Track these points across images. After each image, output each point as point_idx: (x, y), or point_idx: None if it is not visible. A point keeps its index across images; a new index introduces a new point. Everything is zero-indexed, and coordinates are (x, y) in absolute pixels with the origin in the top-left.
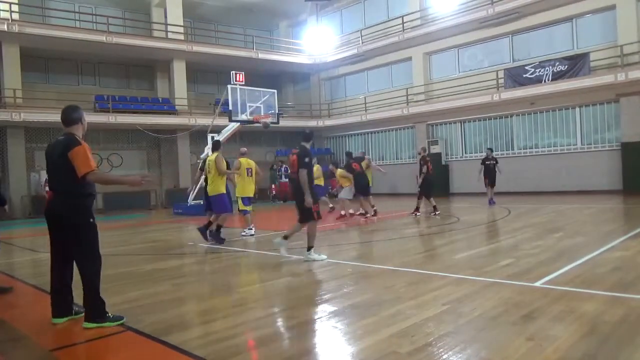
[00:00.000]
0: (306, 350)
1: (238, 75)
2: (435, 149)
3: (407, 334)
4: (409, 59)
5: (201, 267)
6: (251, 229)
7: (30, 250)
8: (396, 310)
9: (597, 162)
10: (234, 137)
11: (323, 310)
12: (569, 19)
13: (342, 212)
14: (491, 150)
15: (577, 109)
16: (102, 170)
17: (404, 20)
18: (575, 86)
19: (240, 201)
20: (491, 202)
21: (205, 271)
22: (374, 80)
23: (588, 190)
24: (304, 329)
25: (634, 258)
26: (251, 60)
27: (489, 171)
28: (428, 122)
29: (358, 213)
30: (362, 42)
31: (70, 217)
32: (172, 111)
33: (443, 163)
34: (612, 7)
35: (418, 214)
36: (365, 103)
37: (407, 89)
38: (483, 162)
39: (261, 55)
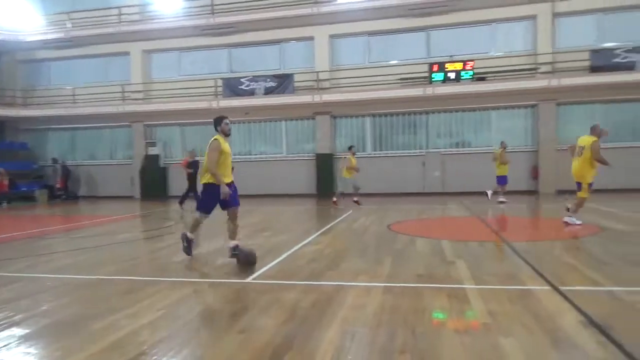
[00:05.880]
0: None
1: None
2: (153, 151)
3: (118, 346)
4: (127, 53)
5: None
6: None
7: None
8: (109, 322)
9: (298, 169)
10: None
11: (10, 336)
12: (277, 42)
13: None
14: None
15: (284, 122)
16: None
17: (121, 12)
18: (282, 102)
19: None
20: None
21: None
22: (87, 71)
23: (291, 193)
24: None
25: (323, 251)
26: None
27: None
28: (146, 123)
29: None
30: (71, 26)
31: None
32: None
33: (161, 165)
34: (311, 38)
35: None
36: (74, 95)
37: (123, 85)
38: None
39: None
